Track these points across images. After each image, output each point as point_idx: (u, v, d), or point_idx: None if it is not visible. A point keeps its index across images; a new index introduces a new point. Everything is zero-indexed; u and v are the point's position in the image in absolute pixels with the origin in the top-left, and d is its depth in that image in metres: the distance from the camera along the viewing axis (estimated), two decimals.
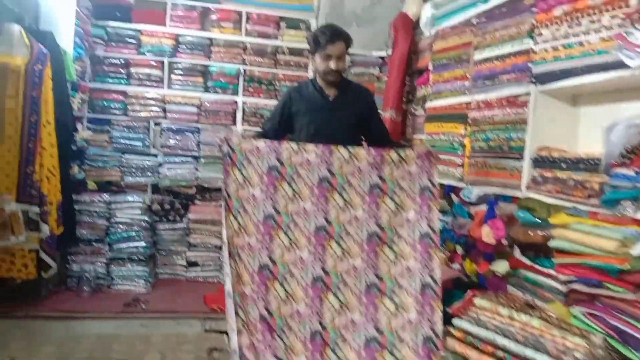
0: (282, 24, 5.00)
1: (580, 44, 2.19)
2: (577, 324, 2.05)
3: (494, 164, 2.84)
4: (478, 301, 2.24)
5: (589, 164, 2.17)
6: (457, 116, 3.24)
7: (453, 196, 3.20)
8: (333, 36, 2.62)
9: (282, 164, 2.38)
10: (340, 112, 2.75)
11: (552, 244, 2.23)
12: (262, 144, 2.39)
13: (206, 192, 4.92)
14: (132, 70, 4.78)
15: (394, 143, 2.87)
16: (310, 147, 2.41)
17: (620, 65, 1.97)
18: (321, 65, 2.68)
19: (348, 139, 2.65)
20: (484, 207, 2.87)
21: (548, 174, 2.41)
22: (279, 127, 2.84)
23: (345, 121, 2.75)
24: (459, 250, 3.14)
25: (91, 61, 4.67)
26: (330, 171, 2.39)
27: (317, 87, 2.79)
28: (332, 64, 2.64)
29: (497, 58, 2.83)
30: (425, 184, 2.41)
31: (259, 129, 3.00)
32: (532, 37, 2.54)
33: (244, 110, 4.96)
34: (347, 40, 2.69)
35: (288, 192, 2.36)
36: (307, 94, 2.81)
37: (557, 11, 2.31)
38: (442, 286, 2.74)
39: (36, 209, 3.39)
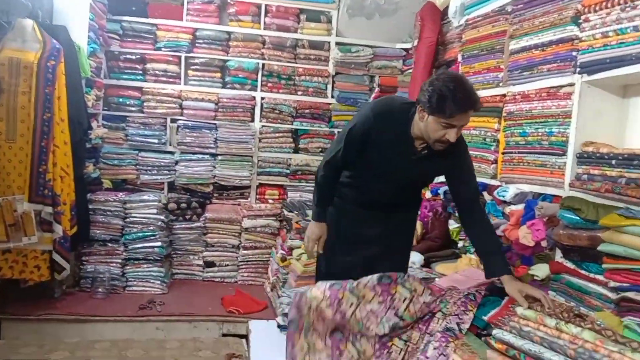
0: (302, 17, 4.85)
1: (636, 29, 2.00)
2: (630, 334, 1.87)
3: (532, 161, 2.65)
4: (520, 310, 2.06)
5: None
6: (490, 110, 3.05)
7: (486, 194, 3.01)
8: (467, 105, 2.01)
9: (346, 322, 2.18)
10: (419, 169, 2.30)
11: (602, 247, 2.04)
12: (329, 312, 2.17)
13: (223, 190, 4.81)
14: (148, 66, 4.67)
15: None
16: (370, 293, 2.18)
17: None
18: (436, 132, 2.07)
19: (412, 189, 2.46)
20: (520, 207, 2.68)
21: (595, 172, 2.22)
22: (349, 160, 2.33)
23: (421, 176, 2.39)
24: None
25: (106, 57, 4.58)
26: (398, 316, 2.20)
27: (408, 135, 2.21)
28: (452, 136, 2.05)
29: (536, 47, 2.64)
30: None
31: (329, 164, 2.42)
32: (577, 24, 2.35)
33: (262, 106, 4.82)
34: (479, 108, 2.10)
35: (353, 354, 2.18)
36: (393, 130, 2.22)
37: None
38: (477, 291, 2.59)
39: (49, 209, 3.30)
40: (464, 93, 2.01)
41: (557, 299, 2.33)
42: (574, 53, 2.37)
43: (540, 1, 2.63)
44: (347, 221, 2.52)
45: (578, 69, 2.33)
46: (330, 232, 2.56)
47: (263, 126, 4.84)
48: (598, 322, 1.92)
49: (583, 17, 2.29)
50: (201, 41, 4.72)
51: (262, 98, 4.82)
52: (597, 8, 2.19)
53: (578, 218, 2.21)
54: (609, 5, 2.11)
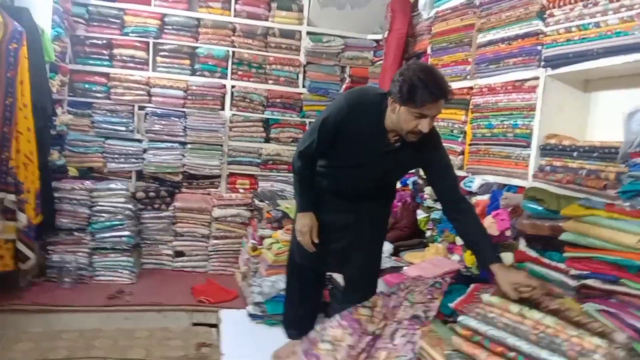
0: (273, 5, 4.80)
1: (597, 25, 2.06)
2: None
3: (498, 152, 2.72)
4: (486, 297, 2.11)
5: (604, 153, 2.05)
6: (457, 102, 3.11)
7: None
8: (439, 95, 2.02)
9: None
10: (392, 162, 2.30)
11: (563, 236, 2.11)
12: None
13: (193, 179, 4.76)
14: (115, 51, 4.57)
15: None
16: (339, 332, 2.27)
17: None
18: (408, 122, 2.07)
19: (385, 188, 2.49)
20: (486, 197, 2.75)
21: (558, 163, 2.29)
22: (324, 149, 2.33)
23: (392, 170, 2.38)
24: (459, 241, 3.02)
25: (72, 41, 4.46)
26: (369, 333, 2.29)
27: (380, 127, 2.21)
28: (425, 126, 2.06)
29: (502, 41, 2.70)
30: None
31: (303, 153, 2.40)
32: (542, 19, 2.41)
33: (232, 94, 4.79)
34: (450, 98, 2.12)
35: None
36: (366, 121, 2.22)
37: None
38: (443, 279, 2.65)
39: (12, 197, 3.21)
40: (435, 82, 2.02)
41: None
42: (539, 47, 2.43)
43: None
44: (320, 209, 2.52)
45: (542, 63, 2.39)
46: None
47: (233, 115, 4.80)
48: (564, 305, 2.00)
49: (548, 12, 2.35)
50: (170, 27, 4.64)
51: (233, 86, 4.78)
52: (561, 4, 2.25)
53: (541, 208, 2.28)
54: (573, 1, 2.18)
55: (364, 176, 2.37)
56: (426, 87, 1.99)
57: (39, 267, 3.96)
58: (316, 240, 2.48)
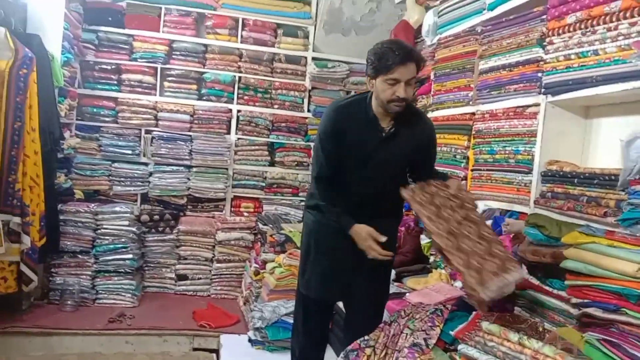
0: (279, 31, 4.89)
1: (595, 52, 2.07)
2: (590, 349, 1.91)
3: (500, 178, 2.71)
4: (485, 325, 2.09)
5: (605, 180, 2.04)
6: (460, 127, 3.12)
7: None
8: (405, 56, 2.10)
9: None
10: (391, 147, 2.29)
11: (564, 264, 2.09)
12: None
13: (197, 202, 4.78)
14: (124, 76, 4.65)
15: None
16: None
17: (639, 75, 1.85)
18: (385, 91, 2.15)
19: (395, 182, 2.32)
20: (488, 223, 2.73)
21: (559, 190, 2.28)
22: (334, 164, 2.32)
23: (395, 158, 2.32)
24: None
25: (81, 67, 4.55)
26: None
27: (370, 116, 2.27)
28: (401, 91, 2.12)
29: (504, 67, 2.72)
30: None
31: (319, 178, 2.40)
32: (542, 46, 2.42)
33: (238, 118, 4.83)
34: (420, 62, 2.18)
35: None
36: (358, 120, 2.27)
37: (570, 19, 2.19)
38: (444, 306, 2.62)
39: (17, 219, 3.24)
40: (400, 47, 2.14)
41: (523, 315, 2.38)
42: (539, 74, 2.44)
43: (508, 23, 2.70)
44: (325, 235, 2.45)
45: (543, 90, 2.40)
46: (305, 251, 2.55)
47: (239, 139, 4.84)
48: (559, 338, 1.97)
49: (548, 39, 2.36)
50: (178, 53, 4.72)
51: (239, 111, 4.83)
52: (561, 31, 2.26)
53: (542, 235, 2.26)
54: (572, 29, 2.19)
55: (368, 177, 2.31)
56: (392, 51, 2.10)
57: (41, 290, 3.98)
58: (382, 239, 2.28)
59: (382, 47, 2.15)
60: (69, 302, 3.90)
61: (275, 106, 4.91)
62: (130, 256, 4.16)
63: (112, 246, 4.14)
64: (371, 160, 2.31)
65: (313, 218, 2.51)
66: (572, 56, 2.19)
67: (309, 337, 2.66)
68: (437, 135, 3.34)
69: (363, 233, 2.27)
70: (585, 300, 2.00)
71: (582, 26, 2.13)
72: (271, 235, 4.03)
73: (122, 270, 4.15)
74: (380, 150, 2.29)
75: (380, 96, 2.18)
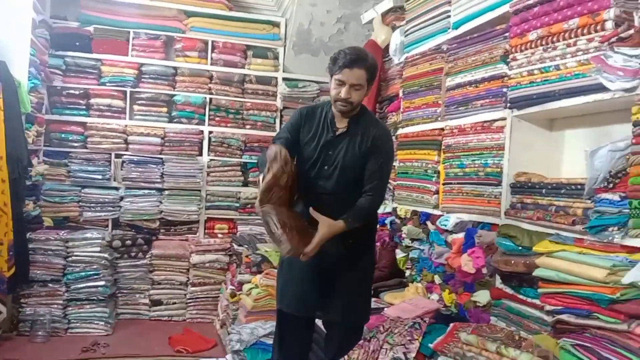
0: (249, 53, 4.92)
1: (557, 67, 2.15)
2: (566, 355, 1.96)
3: (471, 191, 2.77)
4: (464, 336, 2.12)
5: (571, 189, 2.11)
6: (430, 143, 3.19)
7: (429, 224, 3.11)
8: (353, 61, 2.23)
9: None
10: (342, 146, 2.35)
11: (537, 272, 2.14)
12: None
13: (170, 225, 4.73)
14: (92, 101, 4.61)
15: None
16: None
17: (600, 88, 1.93)
18: (332, 90, 2.31)
19: (349, 181, 2.36)
20: (461, 235, 2.78)
21: (528, 200, 2.35)
22: (292, 133, 2.46)
23: (345, 157, 2.34)
24: (437, 280, 3.04)
25: (48, 92, 4.49)
26: None
27: (328, 117, 2.39)
28: (343, 92, 2.24)
29: (470, 84, 2.80)
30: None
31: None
32: (506, 62, 2.51)
33: (210, 139, 4.82)
34: (370, 70, 2.28)
35: None
36: (318, 119, 2.43)
37: (532, 35, 2.28)
38: (422, 320, 2.64)
39: None
40: (353, 52, 2.27)
41: (499, 324, 2.42)
42: (504, 89, 2.52)
43: (473, 41, 2.80)
44: None
45: (508, 104, 2.48)
46: (280, 264, 2.55)
47: (211, 160, 4.83)
48: (536, 345, 2.01)
49: (511, 56, 2.45)
50: (147, 76, 4.71)
51: (210, 132, 4.83)
52: (523, 48, 2.35)
53: (514, 245, 2.32)
54: (533, 45, 2.28)
55: (325, 175, 2.36)
56: (345, 54, 2.25)
57: (10, 321, 3.86)
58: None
59: (339, 50, 2.32)
60: (40, 333, 3.79)
61: (247, 126, 4.92)
62: (102, 283, 4.08)
63: (83, 273, 4.05)
64: (324, 158, 2.38)
65: None
66: (535, 71, 2.28)
67: (286, 355, 2.61)
68: (408, 151, 3.45)
69: (274, 148, 2.29)
70: (559, 307, 2.05)
71: (543, 42, 2.22)
72: (247, 256, 4.01)
73: (95, 298, 4.06)
74: (330, 148, 2.37)
75: (331, 95, 2.34)
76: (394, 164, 3.65)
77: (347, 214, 2.29)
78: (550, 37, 2.18)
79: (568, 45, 2.09)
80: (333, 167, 2.36)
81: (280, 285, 2.53)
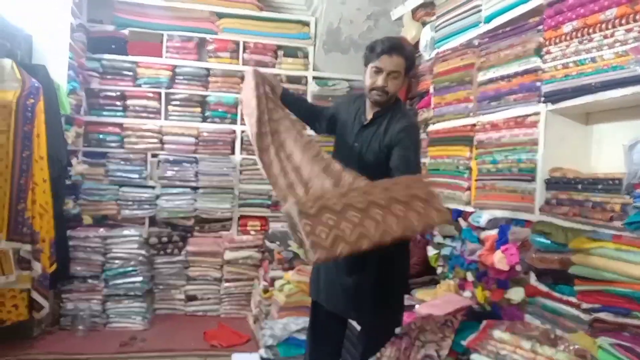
0: (280, 53, 4.95)
1: (593, 60, 2.10)
2: (604, 354, 1.91)
3: (504, 187, 2.73)
4: (497, 334, 2.10)
5: (609, 185, 2.06)
6: (461, 139, 3.15)
7: (461, 221, 3.08)
8: (392, 48, 2.22)
9: None
10: (365, 137, 2.35)
11: (573, 269, 2.10)
12: None
13: (205, 223, 4.80)
14: (129, 102, 4.71)
15: None
16: None
17: (638, 80, 1.88)
18: (369, 79, 2.28)
19: (374, 174, 2.18)
20: (494, 232, 2.75)
21: (563, 196, 2.30)
22: (323, 113, 2.61)
23: (367, 149, 2.33)
24: (470, 277, 3.00)
25: (86, 94, 4.61)
26: None
27: (361, 107, 2.42)
28: (380, 80, 2.23)
29: (502, 78, 2.75)
30: None
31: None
32: (539, 55, 2.46)
33: (242, 138, 4.88)
34: (409, 59, 2.28)
35: None
36: (352, 108, 2.45)
37: (567, 28, 2.23)
38: (454, 317, 2.62)
39: (28, 247, 3.25)
40: (390, 40, 2.28)
41: (533, 322, 2.38)
42: (538, 83, 2.47)
43: (505, 35, 2.75)
44: None
45: (542, 99, 2.43)
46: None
47: (244, 159, 4.89)
48: (572, 344, 1.97)
49: (545, 49, 2.40)
50: (181, 77, 4.79)
51: (242, 131, 4.88)
52: (558, 40, 2.30)
53: (549, 242, 2.28)
54: (568, 38, 2.23)
55: (351, 162, 2.24)
56: (381, 42, 2.26)
57: (52, 316, 3.99)
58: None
59: (375, 40, 2.32)
60: (80, 327, 3.92)
61: None
62: (140, 279, 4.18)
63: (121, 270, 4.17)
64: (351, 147, 2.39)
65: None
66: (570, 64, 2.23)
67: (318, 349, 2.60)
68: (439, 147, 3.42)
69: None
70: (596, 305, 2.01)
71: (579, 34, 2.17)
72: (279, 253, 4.05)
73: (132, 294, 4.17)
74: (358, 137, 2.38)
75: (366, 84, 2.31)
76: (425, 160, 3.65)
77: None
78: (586, 29, 2.13)
79: (605, 37, 2.04)
80: (357, 156, 2.34)
81: (314, 275, 2.52)
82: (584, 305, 2.07)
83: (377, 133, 2.32)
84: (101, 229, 4.25)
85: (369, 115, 2.37)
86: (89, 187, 4.54)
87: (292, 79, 4.94)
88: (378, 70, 2.24)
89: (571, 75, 2.24)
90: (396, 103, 2.38)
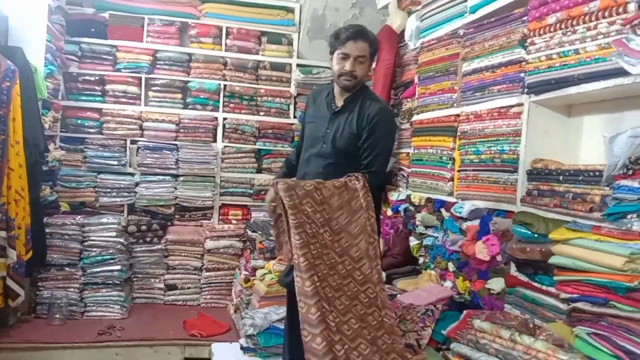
0: (263, 39, 4.90)
1: (576, 51, 2.11)
2: (581, 343, 1.94)
3: (486, 178, 2.74)
4: (477, 323, 2.11)
5: (589, 176, 2.07)
6: (445, 129, 3.15)
7: (443, 211, 3.09)
8: (356, 34, 2.36)
9: None
10: (338, 123, 2.45)
11: (552, 260, 2.12)
12: None
13: (185, 211, 4.76)
14: (108, 87, 4.63)
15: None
16: None
17: (620, 72, 1.88)
18: (336, 65, 2.40)
19: (346, 158, 2.41)
20: (476, 222, 2.76)
21: (545, 187, 2.31)
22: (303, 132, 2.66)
23: (341, 134, 2.42)
24: (451, 267, 3.02)
25: (64, 78, 4.52)
26: None
27: (329, 95, 2.53)
28: (348, 65, 2.35)
29: (486, 69, 2.75)
30: None
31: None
32: (523, 47, 2.46)
33: (224, 126, 4.83)
34: (373, 44, 2.42)
35: None
36: (320, 101, 2.57)
37: (551, 19, 2.23)
38: (435, 307, 2.63)
39: (3, 233, 3.19)
40: (353, 26, 2.41)
41: (513, 312, 2.40)
42: (522, 74, 2.47)
43: (490, 25, 2.74)
44: None
45: (526, 90, 2.43)
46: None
47: (225, 146, 4.84)
48: (550, 333, 2.00)
49: (529, 40, 2.40)
50: (162, 62, 4.71)
51: (224, 118, 4.83)
52: (542, 32, 2.30)
53: (530, 232, 2.29)
54: (552, 29, 2.23)
55: (325, 152, 2.44)
56: (346, 29, 2.39)
57: (28, 304, 3.92)
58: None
59: (339, 28, 2.46)
60: (57, 316, 3.85)
61: (261, 113, 4.91)
62: (118, 267, 4.12)
63: (99, 258, 4.10)
64: (324, 135, 2.46)
65: None
66: (554, 56, 2.23)
67: (296, 340, 2.62)
68: (423, 137, 3.42)
69: (271, 190, 2.36)
70: (574, 295, 2.03)
71: (563, 26, 2.17)
72: (260, 242, 4.02)
73: (111, 282, 4.10)
74: (330, 125, 2.46)
75: (334, 70, 2.44)
76: (409, 150, 3.65)
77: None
78: (570, 21, 2.13)
79: (588, 29, 2.04)
80: (330, 144, 2.43)
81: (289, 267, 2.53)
82: (563, 295, 2.09)
83: (350, 117, 2.43)
84: (79, 217, 4.17)
85: (339, 102, 2.48)
86: (66, 173, 4.46)
87: (275, 66, 4.90)
88: (345, 56, 2.37)
89: (554, 66, 2.25)
90: (363, 88, 2.53)
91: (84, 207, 4.52)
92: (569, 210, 2.12)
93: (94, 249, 4.10)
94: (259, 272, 3.69)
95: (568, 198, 2.15)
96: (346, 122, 2.43)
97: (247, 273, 3.93)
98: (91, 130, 4.59)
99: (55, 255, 4.00)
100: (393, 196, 3.79)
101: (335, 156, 2.43)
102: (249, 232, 4.39)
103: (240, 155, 4.87)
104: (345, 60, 2.36)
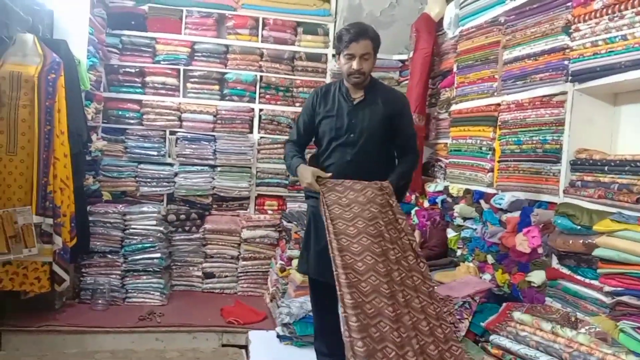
0: (299, 30, 4.90)
1: (624, 37, 2.04)
2: (626, 338, 1.88)
3: (527, 168, 2.69)
4: (517, 315, 2.08)
5: (636, 166, 2.01)
6: (485, 119, 3.10)
7: (482, 203, 3.04)
8: (358, 34, 2.46)
9: None
10: (364, 113, 2.55)
11: (596, 252, 2.06)
12: None
13: (222, 201, 4.82)
14: (147, 79, 4.71)
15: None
16: None
17: None
18: (344, 65, 2.52)
19: (374, 145, 2.52)
20: (516, 214, 2.71)
21: (588, 178, 2.25)
22: (304, 133, 2.70)
23: (370, 123, 2.53)
24: (490, 259, 2.98)
25: (106, 70, 4.63)
26: None
27: (342, 90, 2.61)
28: (355, 64, 2.46)
29: (528, 57, 2.69)
30: None
31: (288, 140, 2.79)
32: (567, 33, 2.40)
33: (260, 117, 4.86)
34: (374, 40, 2.52)
35: None
36: (332, 97, 2.63)
37: (597, 4, 2.16)
38: (473, 299, 2.60)
39: (50, 220, 3.30)
40: (354, 26, 2.51)
41: (554, 305, 2.36)
42: (566, 62, 2.41)
43: (532, 12, 2.68)
44: (320, 221, 2.43)
45: (570, 78, 2.37)
46: (305, 236, 2.67)
47: (261, 137, 4.88)
48: (593, 327, 1.95)
49: (573, 26, 2.33)
50: (199, 54, 4.77)
51: (261, 110, 4.86)
52: (587, 18, 2.23)
53: (573, 224, 2.24)
54: (598, 15, 2.16)
55: (351, 141, 2.54)
56: (347, 31, 2.49)
57: (73, 289, 4.06)
58: (327, 176, 2.48)
59: (341, 30, 2.55)
60: (100, 301, 3.98)
61: (297, 104, 4.92)
62: (158, 255, 4.22)
63: (140, 246, 4.21)
64: (348, 127, 2.55)
65: (311, 204, 2.62)
66: (600, 42, 2.17)
67: (323, 321, 2.70)
68: (462, 127, 3.38)
69: (308, 172, 2.49)
70: (619, 288, 1.98)
71: (609, 11, 2.10)
72: (296, 232, 4.04)
73: (151, 270, 4.21)
74: (353, 117, 2.55)
75: (343, 70, 2.55)
76: (447, 141, 3.61)
77: (393, 174, 2.52)
78: (617, 5, 2.06)
79: (637, 13, 1.98)
80: (358, 134, 2.53)
81: (306, 253, 2.64)
82: (607, 289, 2.04)
83: (374, 107, 2.56)
84: (120, 205, 4.28)
85: (357, 95, 2.58)
86: (108, 163, 4.58)
87: (311, 57, 4.89)
88: (351, 57, 2.48)
89: (600, 53, 2.19)
90: (374, 79, 2.65)
91: (125, 196, 4.64)
92: (614, 201, 2.07)
93: (135, 237, 4.21)
94: (294, 262, 3.71)
95: (613, 189, 2.10)
96: (372, 111, 2.56)
97: (282, 262, 3.97)
98: (132, 121, 4.69)
99: (98, 243, 4.12)
100: (430, 187, 3.75)
101: (364, 143, 2.54)
102: (285, 223, 4.42)
103: (275, 146, 4.90)
104: (352, 60, 2.47)
